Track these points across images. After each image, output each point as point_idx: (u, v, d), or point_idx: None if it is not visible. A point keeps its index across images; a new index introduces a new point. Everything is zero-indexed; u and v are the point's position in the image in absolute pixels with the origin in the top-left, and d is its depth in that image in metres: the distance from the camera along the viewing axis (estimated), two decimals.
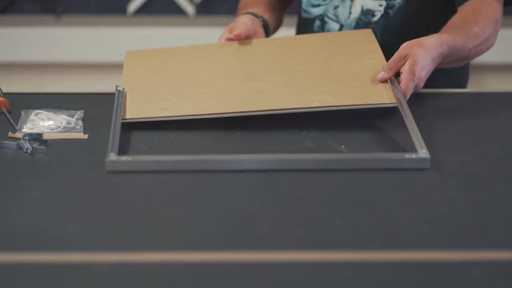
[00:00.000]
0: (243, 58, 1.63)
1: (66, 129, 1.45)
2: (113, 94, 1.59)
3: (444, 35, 1.57)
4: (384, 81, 1.49)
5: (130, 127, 1.43)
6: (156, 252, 1.10)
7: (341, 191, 1.27)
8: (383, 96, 1.46)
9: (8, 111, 1.50)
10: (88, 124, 1.48)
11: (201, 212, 1.20)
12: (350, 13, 1.78)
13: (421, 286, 1.04)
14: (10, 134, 1.43)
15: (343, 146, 1.39)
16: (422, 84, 1.51)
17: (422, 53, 1.50)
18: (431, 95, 1.57)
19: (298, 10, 1.90)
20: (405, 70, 1.48)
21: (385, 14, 1.77)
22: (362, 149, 1.38)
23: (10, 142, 1.39)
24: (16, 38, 2.94)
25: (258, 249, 1.11)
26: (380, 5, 1.76)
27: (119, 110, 1.45)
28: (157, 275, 1.06)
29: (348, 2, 1.78)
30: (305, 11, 1.85)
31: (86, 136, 1.43)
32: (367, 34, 1.68)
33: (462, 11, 1.68)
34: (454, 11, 1.74)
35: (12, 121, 1.46)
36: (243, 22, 1.73)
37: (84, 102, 1.57)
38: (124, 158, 1.31)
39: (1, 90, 1.56)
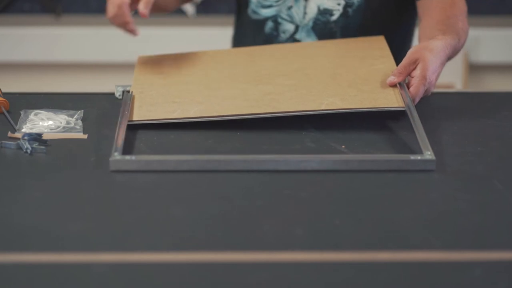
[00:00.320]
0: (252, 63, 1.63)
1: (66, 129, 1.45)
2: (113, 94, 1.59)
3: (445, 36, 1.57)
4: (393, 85, 1.49)
5: (130, 126, 1.43)
6: (156, 252, 1.10)
7: (341, 191, 1.27)
8: (392, 100, 1.45)
9: (8, 111, 1.50)
10: (87, 124, 1.48)
11: (201, 212, 1.20)
12: (305, 13, 1.77)
13: (421, 286, 1.04)
14: (9, 134, 1.43)
15: (343, 146, 1.38)
16: (432, 89, 1.51)
17: (432, 58, 1.49)
18: (431, 95, 1.57)
19: (235, 10, 1.88)
20: (416, 75, 1.48)
21: (344, 13, 1.77)
22: (362, 150, 1.38)
23: (9, 142, 1.39)
24: (16, 38, 2.94)
25: (258, 249, 1.11)
26: (339, 4, 1.76)
27: (126, 112, 1.45)
28: (157, 275, 1.05)
29: (302, 2, 1.78)
30: (255, 12, 1.83)
31: (85, 136, 1.43)
32: (379, 41, 1.68)
33: (439, 5, 1.67)
34: (413, 8, 1.75)
35: (11, 121, 1.46)
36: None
37: (84, 102, 1.57)
38: (128, 157, 1.31)
39: (1, 90, 1.56)
